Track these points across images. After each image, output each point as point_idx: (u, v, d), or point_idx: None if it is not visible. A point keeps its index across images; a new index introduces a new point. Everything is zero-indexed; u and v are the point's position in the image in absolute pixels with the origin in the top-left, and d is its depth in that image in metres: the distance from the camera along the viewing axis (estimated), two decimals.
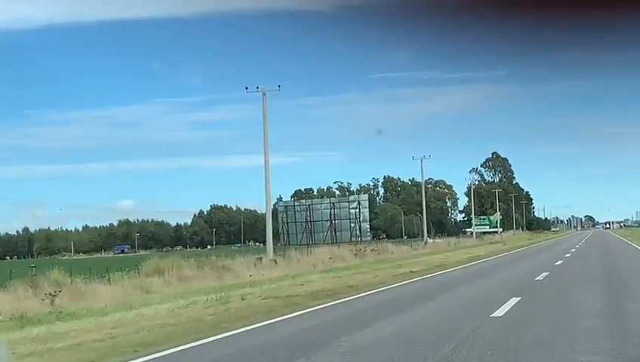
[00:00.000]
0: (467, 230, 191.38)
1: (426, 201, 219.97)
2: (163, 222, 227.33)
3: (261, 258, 46.21)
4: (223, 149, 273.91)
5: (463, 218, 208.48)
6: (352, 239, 75.79)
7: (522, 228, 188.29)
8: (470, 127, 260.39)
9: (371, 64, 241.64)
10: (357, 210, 76.60)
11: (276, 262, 46.30)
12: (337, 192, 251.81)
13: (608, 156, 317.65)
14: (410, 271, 32.11)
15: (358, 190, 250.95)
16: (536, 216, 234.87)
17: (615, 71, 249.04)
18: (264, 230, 79.03)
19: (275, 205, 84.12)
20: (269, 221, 51.97)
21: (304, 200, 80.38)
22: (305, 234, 79.67)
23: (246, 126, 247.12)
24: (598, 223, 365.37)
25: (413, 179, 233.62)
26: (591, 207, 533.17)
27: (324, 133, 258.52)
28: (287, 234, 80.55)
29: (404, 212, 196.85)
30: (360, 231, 76.93)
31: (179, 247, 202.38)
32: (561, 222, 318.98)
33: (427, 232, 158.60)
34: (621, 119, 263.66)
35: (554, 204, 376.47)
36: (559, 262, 34.73)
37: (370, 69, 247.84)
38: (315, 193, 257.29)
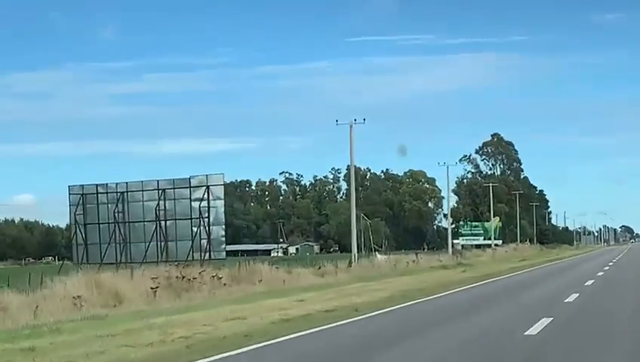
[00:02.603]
0: (455, 241, 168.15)
1: (400, 201, 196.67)
2: (37, 223, 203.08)
3: None
4: (153, 131, 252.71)
5: (451, 224, 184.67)
6: (195, 256, 52.35)
7: (531, 241, 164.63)
8: (470, 107, 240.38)
9: (345, 23, 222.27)
10: (202, 204, 52.81)
11: None
12: (284, 187, 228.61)
13: None
14: None
15: (312, 184, 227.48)
16: (554, 224, 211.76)
17: None
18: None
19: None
20: None
21: (114, 185, 56.03)
22: (115, 245, 55.77)
23: (184, 101, 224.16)
24: (638, 235, 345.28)
25: (387, 170, 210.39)
26: (629, 214, 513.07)
27: (286, 113, 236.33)
28: (85, 244, 56.35)
29: (366, 214, 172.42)
30: (209, 242, 53.10)
31: (50, 258, 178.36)
32: (589, 233, 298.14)
33: (379, 246, 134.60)
34: None
35: (581, 209, 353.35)
36: None
37: (344, 31, 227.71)
38: (253, 188, 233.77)
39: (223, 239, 53.58)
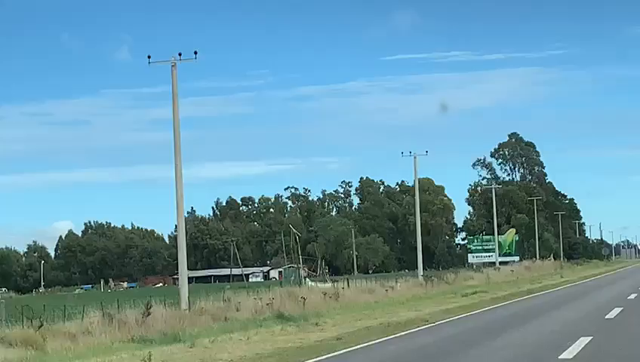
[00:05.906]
0: (470, 260, 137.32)
1: (404, 214, 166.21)
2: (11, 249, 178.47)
3: None
4: (195, 155, 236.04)
5: (463, 239, 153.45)
6: None
7: (555, 257, 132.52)
8: (506, 121, 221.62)
9: (379, 44, 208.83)
10: None
11: None
12: (289, 203, 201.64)
13: None
14: None
15: (320, 199, 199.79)
16: (587, 237, 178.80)
17: None
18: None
19: None
20: None
21: None
22: None
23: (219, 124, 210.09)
24: None
25: (402, 182, 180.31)
26: None
27: (324, 133, 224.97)
28: None
29: (364, 230, 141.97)
30: None
31: (4, 289, 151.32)
32: (632, 246, 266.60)
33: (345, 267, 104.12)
34: None
35: (625, 223, 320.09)
36: None
37: (379, 51, 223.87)
38: (255, 204, 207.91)
39: None
